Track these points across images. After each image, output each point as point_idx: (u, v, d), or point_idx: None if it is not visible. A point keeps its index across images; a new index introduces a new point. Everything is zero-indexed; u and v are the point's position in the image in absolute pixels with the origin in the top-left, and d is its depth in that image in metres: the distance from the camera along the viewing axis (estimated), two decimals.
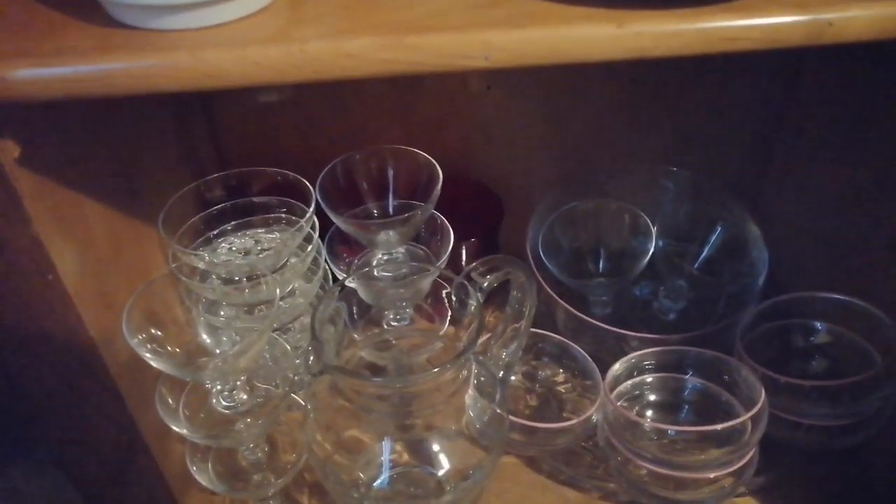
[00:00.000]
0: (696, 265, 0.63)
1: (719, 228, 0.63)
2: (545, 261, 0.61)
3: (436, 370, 0.41)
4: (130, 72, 0.26)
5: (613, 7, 0.28)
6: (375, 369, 0.54)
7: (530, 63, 0.27)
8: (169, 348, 0.44)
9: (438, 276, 0.50)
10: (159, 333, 0.44)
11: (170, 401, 0.46)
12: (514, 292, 0.49)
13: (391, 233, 0.51)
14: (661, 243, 0.63)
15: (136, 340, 0.41)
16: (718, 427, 0.47)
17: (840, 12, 0.28)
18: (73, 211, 0.36)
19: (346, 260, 0.56)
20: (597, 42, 0.27)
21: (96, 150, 0.39)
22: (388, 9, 0.28)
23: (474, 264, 0.47)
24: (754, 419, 0.48)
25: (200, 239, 0.51)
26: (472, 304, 0.46)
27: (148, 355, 0.41)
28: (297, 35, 0.27)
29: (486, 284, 0.46)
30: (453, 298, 0.48)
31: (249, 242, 0.53)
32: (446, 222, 0.55)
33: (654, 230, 0.63)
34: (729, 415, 0.50)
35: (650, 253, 0.62)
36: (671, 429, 0.50)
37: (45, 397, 0.36)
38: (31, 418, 0.35)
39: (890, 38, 0.28)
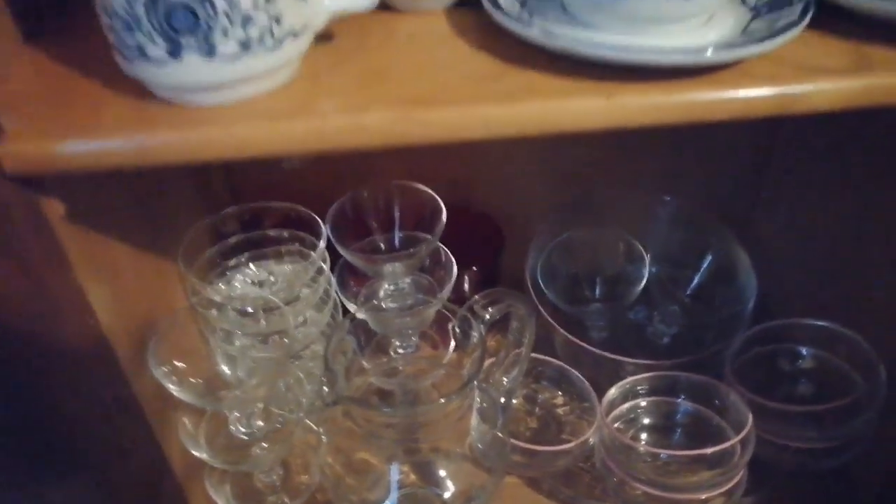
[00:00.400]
0: (689, 291, 0.66)
1: (710, 256, 0.65)
2: (544, 288, 0.64)
3: (442, 401, 0.44)
4: (169, 146, 0.29)
5: (602, 80, 0.31)
6: (382, 394, 0.57)
7: (526, 134, 0.30)
8: (191, 379, 0.47)
9: (442, 307, 0.53)
10: (181, 365, 0.47)
11: (190, 427, 0.49)
12: (515, 323, 0.53)
13: (397, 265, 0.54)
14: (654, 270, 0.66)
15: (160, 372, 0.44)
16: (708, 451, 0.50)
17: (807, 85, 0.31)
18: (104, 255, 0.39)
19: (354, 290, 0.59)
20: (587, 114, 0.30)
21: (122, 194, 0.43)
22: (398, 82, 0.31)
23: (476, 297, 0.51)
24: (743, 442, 0.51)
25: (216, 270, 0.54)
26: (475, 335, 0.49)
27: (172, 386, 0.44)
28: (319, 109, 0.30)
29: (488, 317, 0.49)
30: (457, 330, 0.51)
31: (263, 274, 0.56)
32: (449, 253, 0.58)
33: (647, 257, 0.65)
34: (719, 438, 0.53)
35: (644, 279, 0.65)
36: (664, 452, 0.52)
37: (85, 428, 0.39)
38: (74, 447, 0.38)
39: (854, 108, 0.32)
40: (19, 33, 0.34)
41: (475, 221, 0.68)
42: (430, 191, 0.55)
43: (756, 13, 0.35)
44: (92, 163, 0.29)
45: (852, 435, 0.53)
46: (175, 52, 0.28)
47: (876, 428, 0.53)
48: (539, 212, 0.66)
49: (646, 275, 0.65)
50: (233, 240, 0.55)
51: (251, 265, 0.56)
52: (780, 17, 0.34)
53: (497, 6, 0.33)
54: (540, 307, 0.62)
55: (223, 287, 0.54)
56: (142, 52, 0.28)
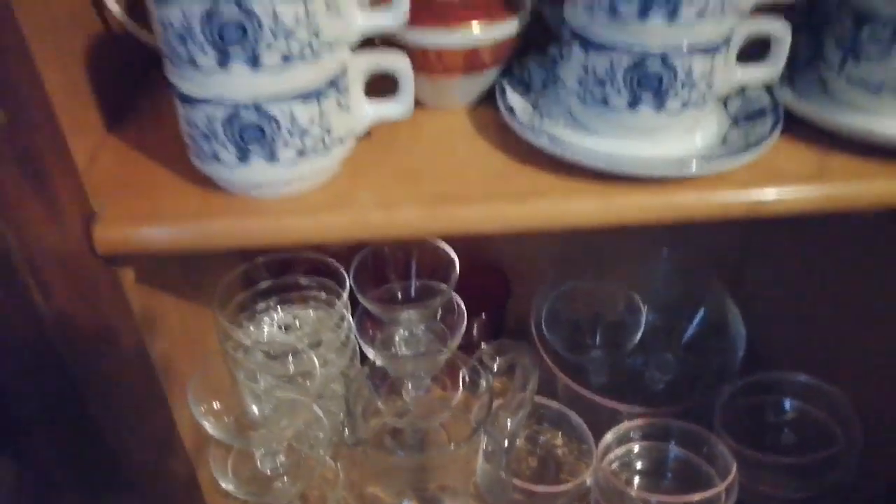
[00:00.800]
0: (683, 341, 0.72)
1: (703, 308, 0.71)
2: (547, 335, 0.69)
3: (452, 448, 0.50)
4: (232, 235, 0.35)
5: (600, 181, 0.37)
6: (395, 431, 0.63)
7: (533, 230, 0.36)
8: (224, 417, 0.53)
9: (453, 353, 0.59)
10: (215, 403, 0.53)
11: (220, 461, 0.54)
12: (519, 370, 0.58)
13: (413, 313, 0.60)
14: (651, 320, 0.72)
15: (198, 411, 0.50)
16: (695, 498, 0.55)
17: (776, 192, 0.37)
18: (159, 309, 0.45)
19: (372, 334, 0.65)
20: (585, 214, 0.36)
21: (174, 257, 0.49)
22: (427, 180, 0.37)
23: (485, 348, 0.57)
24: (728, 490, 0.56)
25: (246, 313, 0.60)
26: (483, 384, 0.55)
27: (207, 424, 0.50)
28: (358, 204, 0.36)
29: (495, 368, 0.55)
30: (467, 378, 0.57)
31: (290, 318, 0.62)
32: (461, 302, 0.64)
33: (645, 308, 0.71)
34: (706, 484, 0.58)
35: (642, 329, 0.71)
36: (654, 498, 0.57)
37: (138, 459, 0.45)
38: (130, 481, 0.44)
39: (817, 214, 0.37)
40: (104, 123, 0.41)
41: (485, 272, 0.74)
42: (444, 245, 0.62)
43: (735, 121, 0.41)
44: (167, 246, 0.35)
45: (831, 485, 0.59)
46: (243, 157, 0.34)
47: (855, 477, 0.59)
48: (544, 264, 0.72)
49: (643, 324, 0.71)
50: (263, 285, 0.61)
51: (279, 309, 0.62)
52: (755, 126, 0.40)
53: (511, 112, 0.40)
54: (543, 353, 0.67)
55: (252, 330, 0.60)
56: (215, 157, 0.34)
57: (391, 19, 0.35)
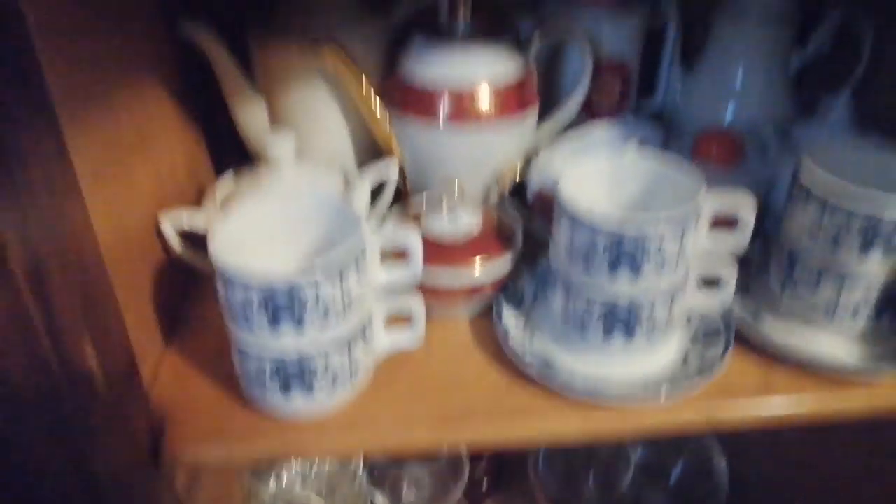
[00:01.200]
0: (671, 482, 0.78)
1: (689, 450, 0.78)
2: (543, 477, 0.76)
3: None
4: (273, 452, 0.43)
5: (581, 402, 0.45)
6: None
7: (523, 446, 0.44)
8: None
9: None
10: None
11: None
12: None
13: (418, 469, 0.68)
14: (642, 461, 0.78)
15: None
16: None
17: (729, 407, 0.45)
18: (196, 478, 0.52)
19: (381, 481, 0.72)
20: (568, 432, 0.44)
21: None
22: (435, 397, 0.46)
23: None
24: None
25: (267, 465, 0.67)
26: None
27: None
28: (377, 424, 0.44)
29: None
30: None
31: (307, 469, 0.69)
32: (464, 451, 0.71)
33: (636, 450, 0.78)
34: None
35: (633, 470, 0.78)
36: None
37: None
38: None
39: (761, 426, 0.45)
40: (162, 337, 0.49)
41: None
42: None
43: (694, 339, 0.49)
44: (219, 462, 0.43)
45: None
46: (286, 392, 0.42)
47: None
48: None
49: (633, 467, 0.78)
50: None
51: (297, 462, 0.69)
52: (710, 345, 0.48)
53: (507, 335, 0.48)
54: (541, 495, 0.74)
55: (273, 482, 0.67)
56: (262, 389, 0.43)
57: (409, 277, 0.44)
